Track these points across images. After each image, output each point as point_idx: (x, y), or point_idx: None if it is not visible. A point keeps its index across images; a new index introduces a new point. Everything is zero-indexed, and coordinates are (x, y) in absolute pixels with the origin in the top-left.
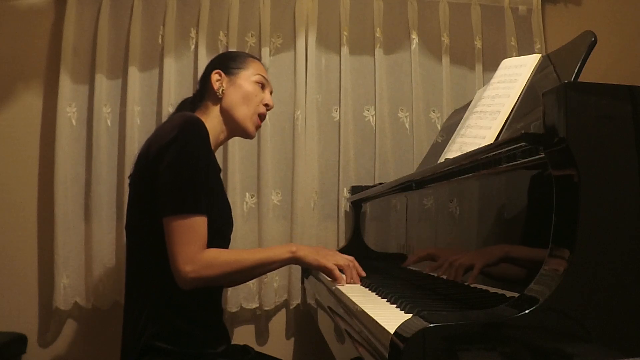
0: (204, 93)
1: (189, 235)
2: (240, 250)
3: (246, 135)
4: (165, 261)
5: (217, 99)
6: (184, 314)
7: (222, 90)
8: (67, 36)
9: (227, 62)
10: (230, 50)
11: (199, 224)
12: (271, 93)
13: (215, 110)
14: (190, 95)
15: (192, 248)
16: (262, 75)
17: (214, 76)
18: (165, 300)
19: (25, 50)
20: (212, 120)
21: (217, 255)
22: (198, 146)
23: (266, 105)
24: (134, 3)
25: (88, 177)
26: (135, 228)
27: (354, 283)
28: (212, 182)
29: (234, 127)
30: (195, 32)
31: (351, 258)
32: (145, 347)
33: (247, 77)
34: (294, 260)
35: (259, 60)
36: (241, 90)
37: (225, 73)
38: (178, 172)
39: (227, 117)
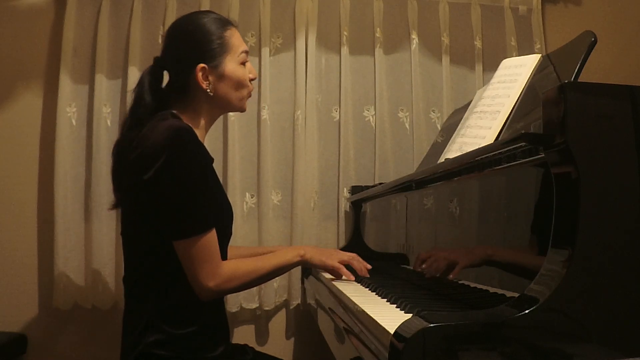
0: (185, 86)
1: (206, 253)
2: (254, 259)
3: (240, 111)
4: (163, 269)
5: (207, 94)
6: (182, 319)
7: (212, 86)
8: (67, 36)
9: (206, 50)
10: (197, 22)
11: (211, 240)
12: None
13: (204, 105)
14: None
15: (212, 265)
16: (243, 51)
17: (199, 74)
18: (163, 306)
19: (25, 50)
20: (200, 112)
21: (236, 267)
22: (192, 161)
23: (252, 80)
24: (134, 3)
25: (88, 177)
26: (132, 238)
27: (364, 275)
28: (211, 183)
29: (226, 109)
30: None
31: (354, 254)
32: (142, 353)
33: (232, 63)
34: (302, 263)
35: (231, 23)
36: (232, 80)
37: (208, 65)
38: (179, 195)
39: (220, 105)
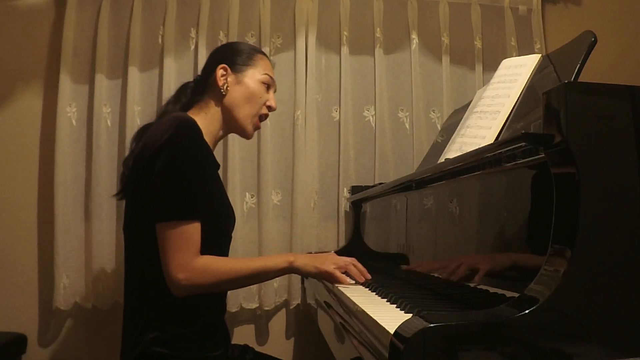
0: (206, 86)
1: (182, 242)
2: (236, 258)
3: (244, 135)
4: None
5: (220, 94)
6: (182, 319)
7: (227, 87)
8: (67, 36)
9: (234, 57)
10: (237, 41)
11: (191, 230)
12: (275, 91)
13: (215, 107)
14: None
15: (185, 255)
16: (269, 75)
17: (219, 71)
18: (163, 305)
19: (25, 50)
20: (212, 116)
21: (210, 263)
22: (191, 149)
23: (269, 107)
24: (134, 3)
25: (88, 177)
26: (132, 232)
27: (361, 281)
28: (209, 181)
29: (232, 126)
30: (195, 32)
31: (351, 259)
32: (143, 352)
33: (253, 76)
34: (292, 270)
35: (267, 56)
36: (246, 89)
37: (231, 69)
38: (170, 178)
39: (227, 115)
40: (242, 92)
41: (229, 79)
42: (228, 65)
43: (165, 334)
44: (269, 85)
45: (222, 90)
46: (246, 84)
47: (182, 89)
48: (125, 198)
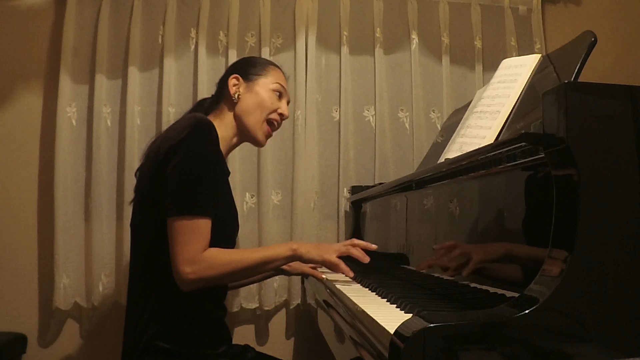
0: (220, 96)
1: (191, 236)
2: (241, 249)
3: (256, 143)
4: (168, 261)
5: (233, 103)
6: (185, 314)
7: (238, 95)
8: (67, 36)
9: (246, 68)
10: (253, 56)
11: (202, 226)
12: (288, 103)
13: (229, 115)
14: (190, 94)
15: (192, 249)
16: (280, 84)
17: (232, 80)
18: (167, 300)
19: (25, 50)
20: (225, 125)
21: (217, 255)
22: (206, 147)
23: (281, 115)
24: (134, 3)
25: (88, 177)
26: (139, 227)
27: (366, 260)
28: (219, 184)
29: (245, 134)
30: (195, 32)
31: (350, 241)
32: (146, 346)
33: (264, 85)
34: (295, 257)
35: (280, 68)
36: (257, 97)
37: (243, 78)
38: (184, 173)
39: (240, 122)
40: (253, 99)
41: (240, 88)
42: (240, 75)
43: (168, 328)
44: (281, 94)
45: (234, 99)
46: (257, 92)
47: (199, 103)
48: (136, 197)
